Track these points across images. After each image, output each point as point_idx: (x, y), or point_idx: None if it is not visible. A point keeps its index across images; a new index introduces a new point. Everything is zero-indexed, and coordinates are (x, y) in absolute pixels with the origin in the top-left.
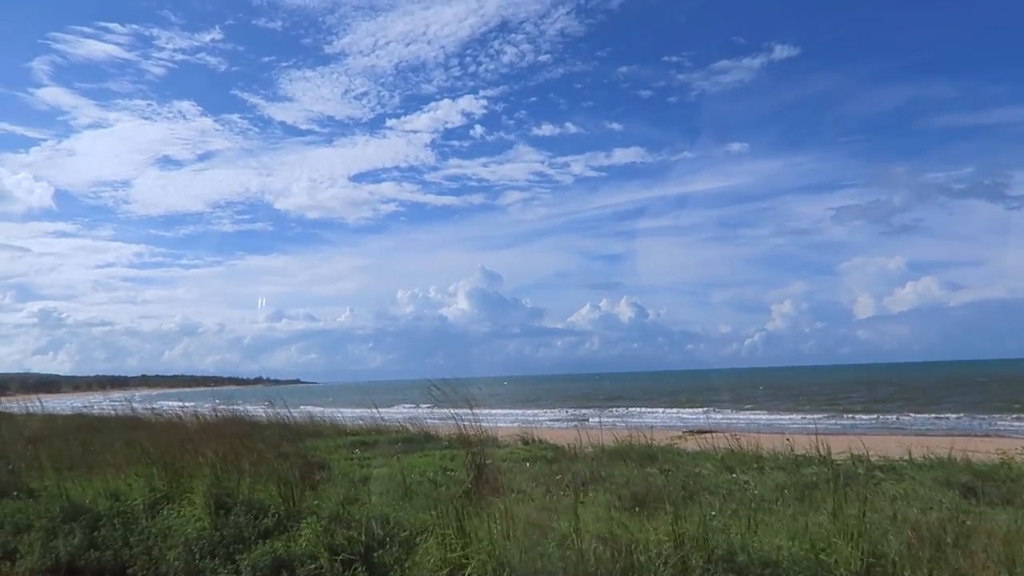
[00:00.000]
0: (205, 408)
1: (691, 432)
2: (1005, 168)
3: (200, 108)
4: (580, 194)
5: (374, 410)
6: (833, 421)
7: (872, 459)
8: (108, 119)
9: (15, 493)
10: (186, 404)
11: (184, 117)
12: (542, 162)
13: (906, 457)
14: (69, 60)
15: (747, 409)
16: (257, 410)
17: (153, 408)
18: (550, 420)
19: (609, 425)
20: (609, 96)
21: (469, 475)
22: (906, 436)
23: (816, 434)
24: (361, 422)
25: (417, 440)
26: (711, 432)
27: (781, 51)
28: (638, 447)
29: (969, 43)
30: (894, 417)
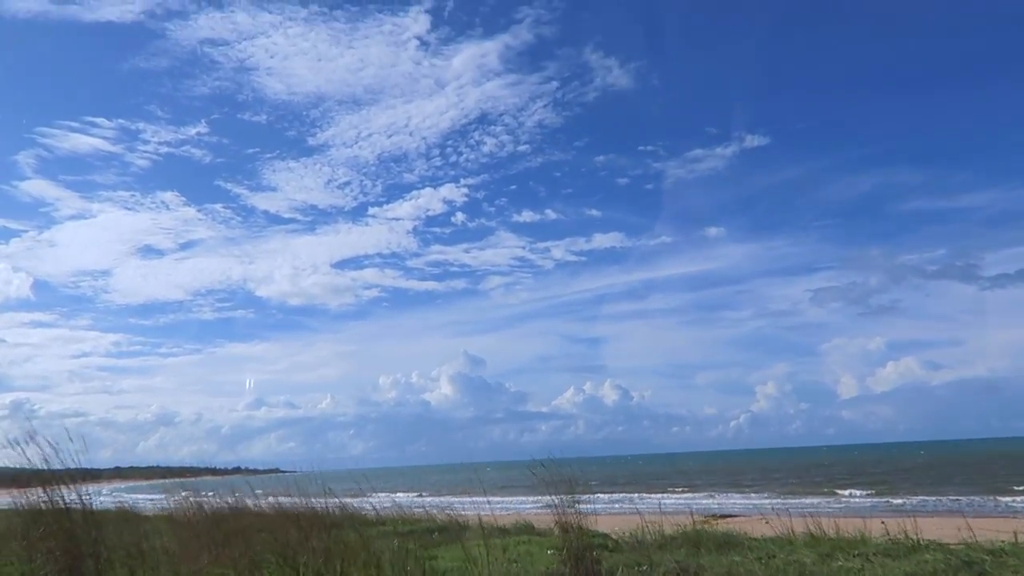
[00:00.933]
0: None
1: (713, 517)
2: (976, 250)
3: (183, 198)
4: (561, 279)
5: (377, 496)
6: (865, 501)
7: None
8: (91, 210)
9: None
10: (166, 496)
11: (167, 207)
12: (523, 247)
13: (1001, 540)
14: (54, 153)
15: (754, 491)
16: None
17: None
18: (574, 507)
19: (620, 511)
20: (587, 184)
21: (567, 567)
22: (956, 517)
23: (912, 515)
24: (374, 510)
25: (450, 529)
26: (732, 516)
27: (752, 140)
28: (709, 532)
29: (933, 133)
30: (932, 499)
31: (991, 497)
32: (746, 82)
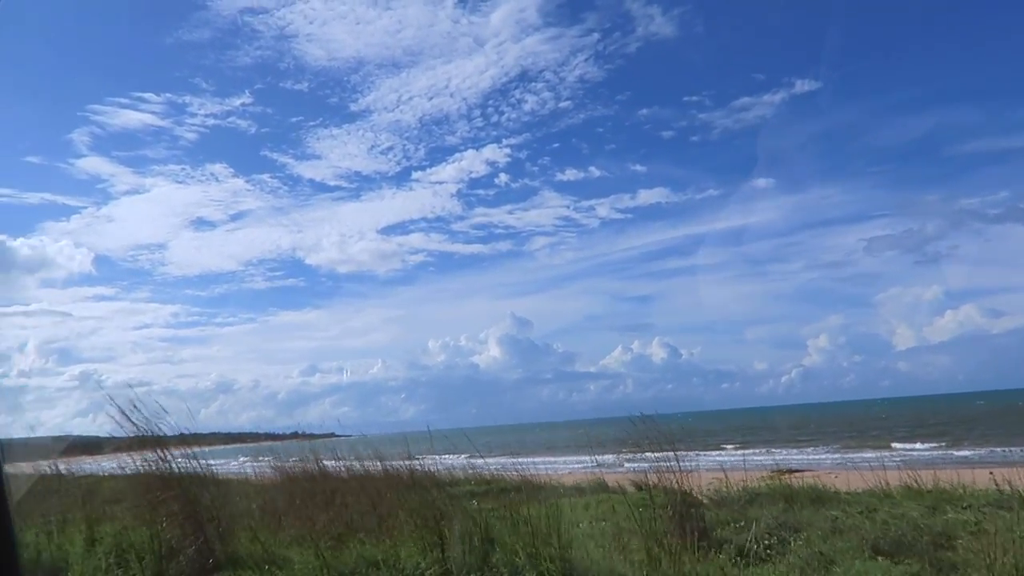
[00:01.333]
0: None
1: (780, 472)
2: None
3: (231, 170)
4: (607, 237)
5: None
6: (929, 454)
7: None
8: (144, 185)
9: (267, 567)
10: (263, 460)
11: (216, 179)
12: (567, 207)
13: None
14: (107, 130)
15: (811, 446)
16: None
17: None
18: (623, 465)
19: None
20: (631, 139)
21: (672, 525)
22: None
23: (984, 466)
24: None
25: (525, 488)
26: (800, 471)
27: (801, 85)
28: (797, 487)
29: (990, 71)
30: (1000, 449)
31: None
32: (793, 24)
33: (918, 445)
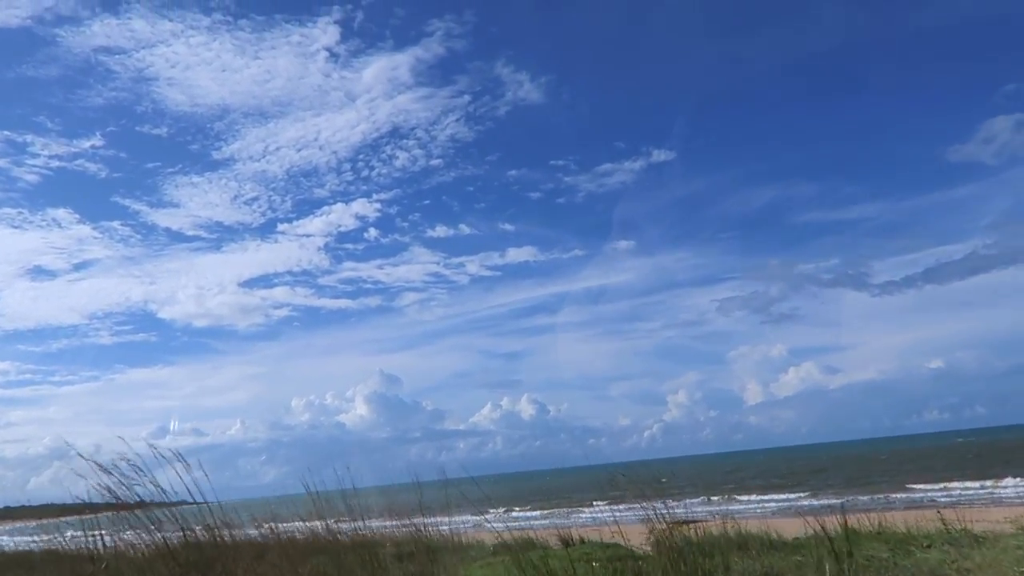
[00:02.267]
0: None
1: (681, 522)
2: (865, 259)
3: (77, 215)
4: (476, 294)
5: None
6: (804, 503)
7: None
8: None
9: None
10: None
11: (59, 225)
12: (437, 263)
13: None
14: None
15: (688, 497)
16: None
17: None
18: (544, 520)
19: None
20: (500, 198)
21: None
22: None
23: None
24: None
25: (433, 549)
26: (693, 522)
27: (658, 155)
28: (738, 536)
29: (826, 147)
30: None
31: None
32: (651, 97)
33: (787, 495)
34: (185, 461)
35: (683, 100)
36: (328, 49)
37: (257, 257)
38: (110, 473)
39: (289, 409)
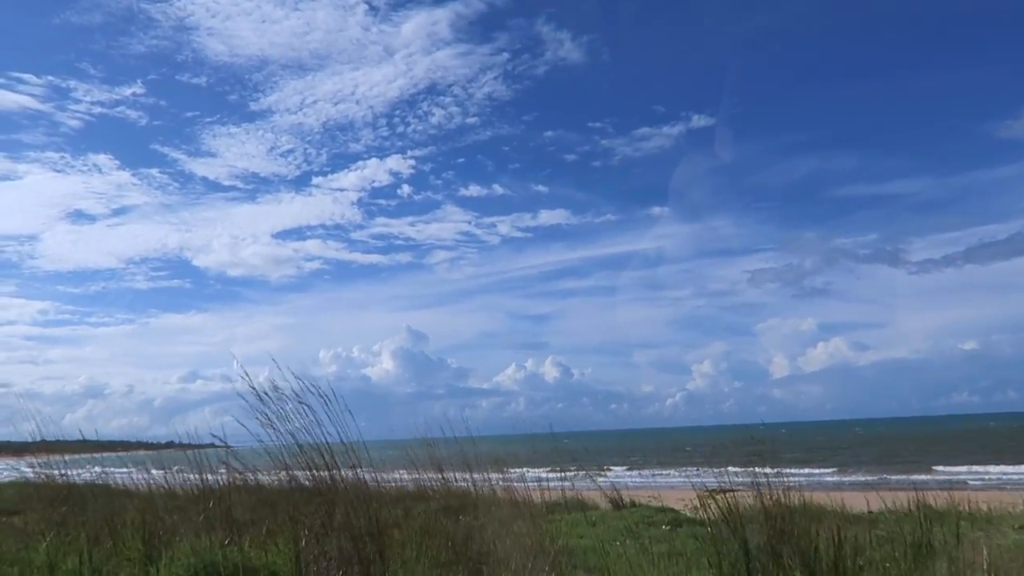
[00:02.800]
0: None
1: (716, 491)
2: (904, 235)
3: (117, 162)
4: (506, 254)
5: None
6: (873, 477)
7: None
8: (17, 171)
9: None
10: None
11: (100, 171)
12: (469, 222)
13: None
14: None
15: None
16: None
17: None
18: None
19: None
20: (535, 159)
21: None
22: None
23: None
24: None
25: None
26: (734, 491)
27: (698, 120)
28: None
29: (868, 119)
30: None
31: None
32: (693, 61)
33: (812, 470)
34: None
35: (726, 66)
36: (367, 2)
37: (291, 209)
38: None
39: (317, 360)
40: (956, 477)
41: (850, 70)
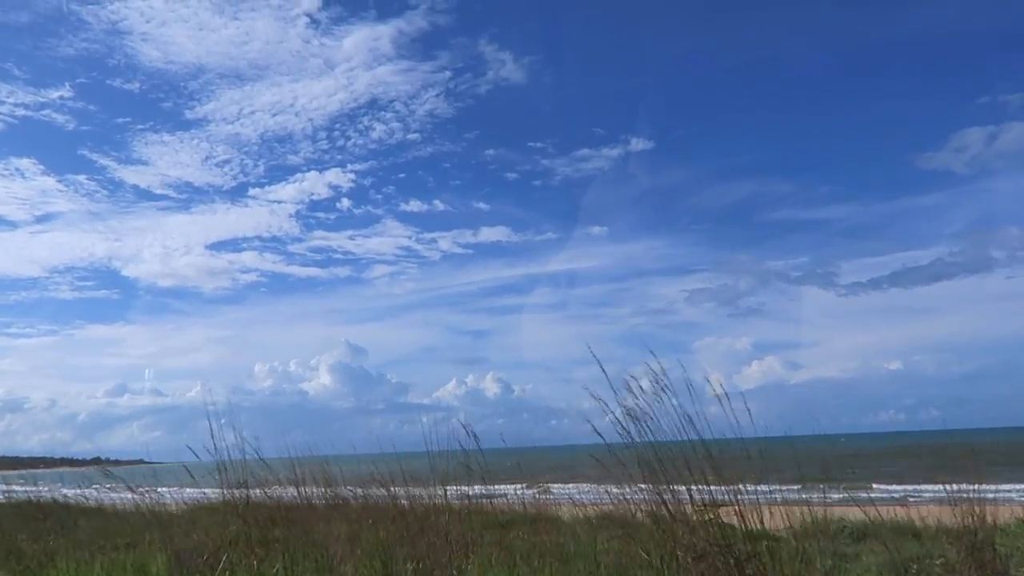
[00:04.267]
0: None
1: (715, 504)
2: (834, 259)
3: (42, 167)
4: (447, 270)
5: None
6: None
7: None
8: None
9: None
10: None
11: (23, 175)
12: (410, 237)
13: None
14: None
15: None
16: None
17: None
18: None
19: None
20: (476, 176)
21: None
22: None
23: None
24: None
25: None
26: (725, 505)
27: (636, 144)
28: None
29: (801, 147)
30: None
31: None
32: (632, 85)
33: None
34: None
35: (664, 90)
36: (309, 15)
37: (226, 220)
38: None
39: (252, 374)
40: (900, 493)
41: (787, 97)
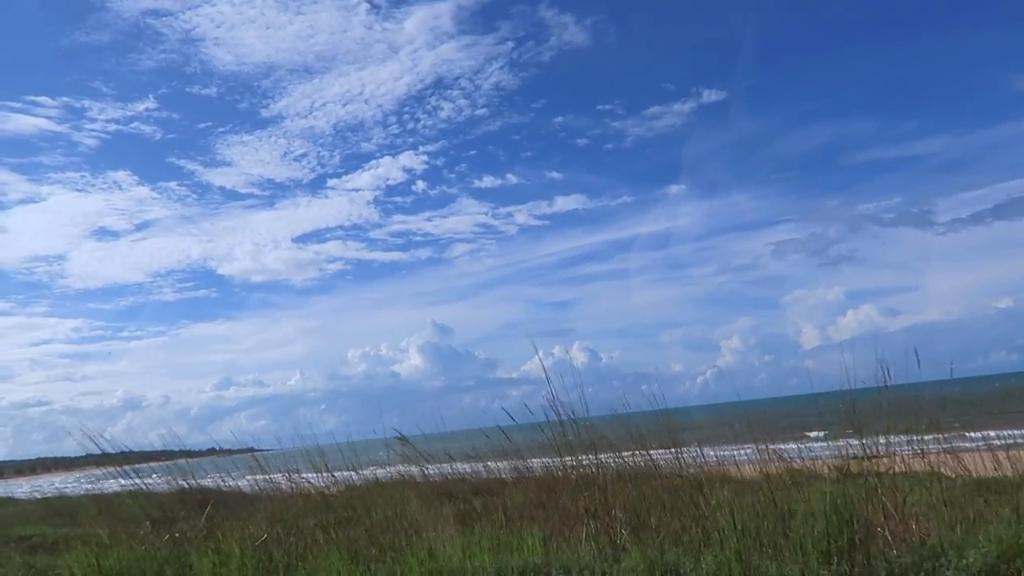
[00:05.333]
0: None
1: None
2: (929, 196)
3: (136, 177)
4: (525, 243)
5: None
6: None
7: None
8: (40, 193)
9: None
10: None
11: (120, 187)
12: (485, 213)
13: None
14: None
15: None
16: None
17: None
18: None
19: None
20: (547, 146)
21: None
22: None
23: None
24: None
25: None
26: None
27: (709, 95)
28: None
29: (884, 83)
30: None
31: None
32: (700, 36)
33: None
34: None
35: (734, 38)
36: (369, 1)
37: (308, 213)
38: None
39: (345, 360)
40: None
41: (862, 33)
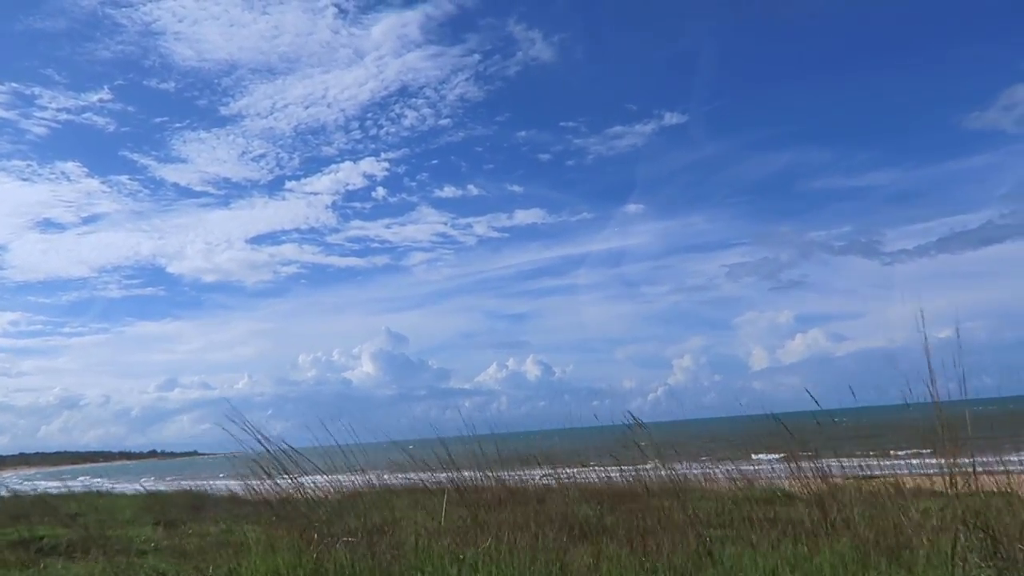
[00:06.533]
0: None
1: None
2: (878, 227)
3: (85, 169)
4: (483, 255)
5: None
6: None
7: None
8: None
9: None
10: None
11: (68, 178)
12: (445, 223)
13: None
14: None
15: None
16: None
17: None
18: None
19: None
20: (509, 159)
21: None
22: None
23: None
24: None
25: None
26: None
27: (670, 118)
28: None
29: (839, 115)
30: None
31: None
32: (666, 59)
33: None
34: None
35: (696, 63)
36: (337, 4)
37: (265, 214)
38: None
39: (296, 365)
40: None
41: (820, 67)
